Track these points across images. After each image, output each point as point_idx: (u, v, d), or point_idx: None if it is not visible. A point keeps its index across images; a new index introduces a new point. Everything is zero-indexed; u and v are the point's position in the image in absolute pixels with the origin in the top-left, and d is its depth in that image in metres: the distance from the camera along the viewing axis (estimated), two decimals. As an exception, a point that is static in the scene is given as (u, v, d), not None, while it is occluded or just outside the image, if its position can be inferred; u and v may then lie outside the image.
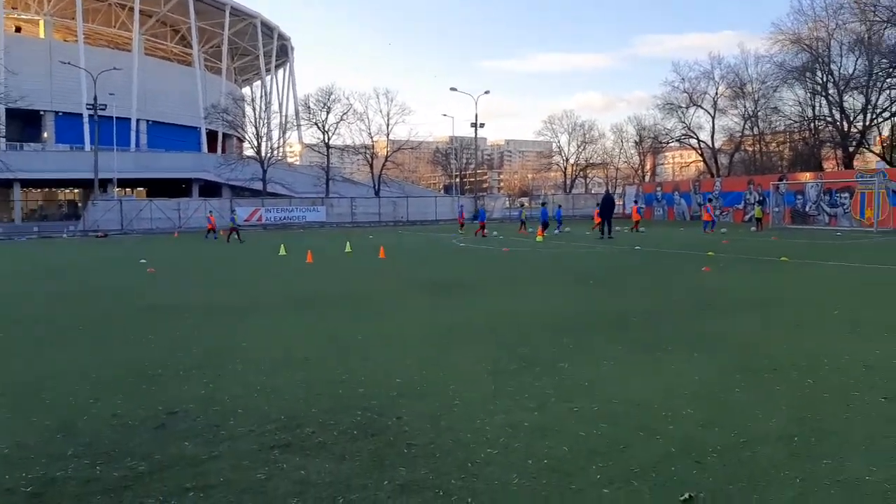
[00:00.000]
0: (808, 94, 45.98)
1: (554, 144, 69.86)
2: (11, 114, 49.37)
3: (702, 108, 54.48)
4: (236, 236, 30.60)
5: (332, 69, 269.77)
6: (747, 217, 39.59)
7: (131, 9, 66.44)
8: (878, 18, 41.06)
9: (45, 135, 62.86)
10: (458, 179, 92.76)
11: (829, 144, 46.79)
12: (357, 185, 66.66)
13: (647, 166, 68.14)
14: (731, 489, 3.50)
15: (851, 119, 43.40)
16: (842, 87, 42.91)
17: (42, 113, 61.08)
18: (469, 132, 62.21)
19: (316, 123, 57.48)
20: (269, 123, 59.94)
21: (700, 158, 58.64)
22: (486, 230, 31.77)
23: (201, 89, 70.02)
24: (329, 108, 56.79)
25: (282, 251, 21.70)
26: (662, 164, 79.30)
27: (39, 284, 14.43)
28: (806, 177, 39.21)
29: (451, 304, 10.18)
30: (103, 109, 46.64)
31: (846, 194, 35.27)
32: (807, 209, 37.40)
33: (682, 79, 54.04)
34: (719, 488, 3.51)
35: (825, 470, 3.72)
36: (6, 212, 56.77)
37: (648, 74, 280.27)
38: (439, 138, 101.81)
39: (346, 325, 8.53)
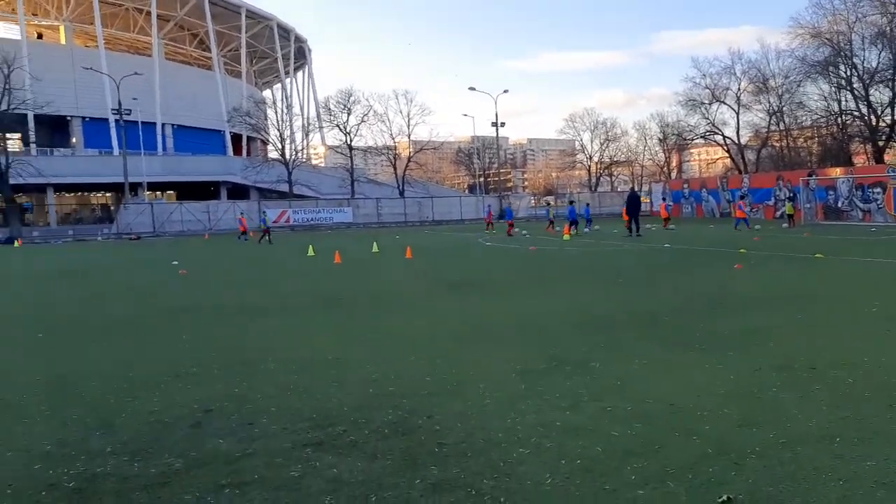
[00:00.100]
0: (833, 89, 45.07)
1: (577, 142, 69.50)
2: (39, 120, 50.43)
3: (725, 103, 53.72)
4: (267, 238, 30.98)
5: (350, 70, 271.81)
6: (778, 213, 38.90)
7: (148, 13, 67.36)
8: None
9: (74, 140, 64.14)
10: (482, 179, 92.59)
11: (857, 139, 45.82)
12: (381, 186, 66.99)
13: (673, 163, 67.39)
14: (772, 490, 3.42)
15: (879, 113, 42.44)
16: (867, 81, 41.98)
17: (69, 118, 62.31)
18: (490, 131, 62.16)
19: (337, 125, 57.90)
20: (291, 126, 60.50)
21: (726, 154, 57.81)
22: (514, 229, 31.75)
23: (222, 93, 70.87)
24: (349, 109, 57.15)
25: (310, 252, 21.87)
26: (688, 160, 78.37)
27: (76, 286, 14.72)
28: (836, 172, 38.40)
29: (480, 304, 10.15)
30: (128, 114, 47.46)
31: (878, 189, 34.48)
32: (839, 205, 36.66)
33: (703, 75, 53.35)
34: (759, 490, 3.43)
35: (869, 471, 3.62)
36: (42, 216, 58.06)
37: (667, 71, 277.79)
38: (461, 138, 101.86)
39: (375, 324, 8.57)
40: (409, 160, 61.38)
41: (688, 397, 5.01)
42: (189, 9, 70.57)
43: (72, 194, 62.71)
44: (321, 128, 64.81)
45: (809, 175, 38.67)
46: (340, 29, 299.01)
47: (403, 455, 4.06)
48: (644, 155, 68.23)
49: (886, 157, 43.26)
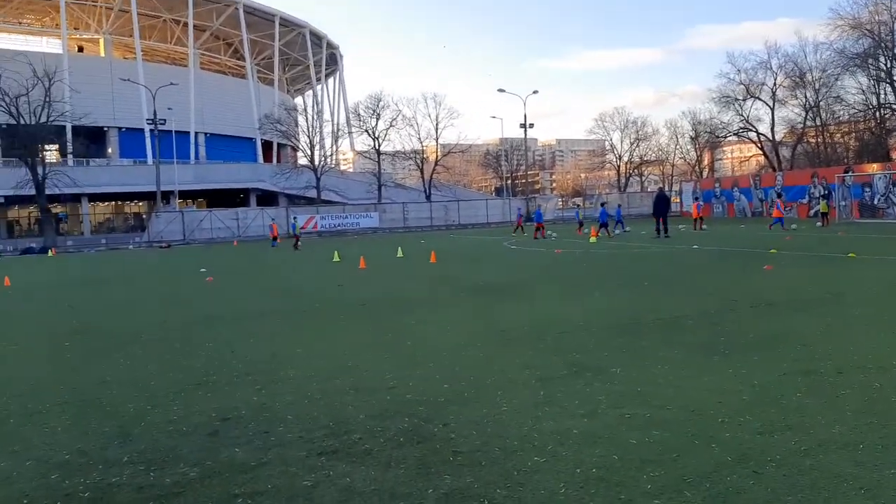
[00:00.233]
0: (872, 82, 43.99)
1: (606, 142, 68.92)
2: (77, 131, 51.69)
3: (760, 99, 52.75)
4: (294, 244, 31.34)
5: (380, 73, 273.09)
6: (812, 212, 38.05)
7: (185, 24, 68.78)
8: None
9: (110, 150, 65.65)
10: (509, 181, 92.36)
11: (896, 133, 44.67)
12: (408, 191, 67.22)
13: (705, 162, 66.41)
14: (791, 500, 3.32)
15: (920, 106, 41.35)
16: (908, 74, 40.92)
17: (106, 129, 63.81)
18: (519, 133, 61.94)
19: (366, 130, 58.27)
20: (321, 132, 61.09)
21: (760, 152, 56.76)
22: (544, 230, 31.60)
23: (255, 101, 71.91)
24: (378, 114, 57.50)
25: (336, 258, 22.02)
26: (721, 158, 77.21)
27: (104, 294, 15.03)
28: (873, 168, 37.42)
29: (502, 308, 10.10)
30: (163, 124, 48.38)
31: (917, 185, 33.53)
32: (875, 202, 35.71)
33: (738, 70, 52.45)
34: (778, 499, 3.34)
35: (892, 479, 3.50)
36: (76, 225, 59.45)
37: (701, 67, 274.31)
38: (489, 140, 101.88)
39: (396, 330, 8.57)
40: (436, 164, 61.51)
41: (709, 403, 4.91)
42: (225, 19, 71.85)
43: (106, 203, 64.13)
44: (350, 133, 65.37)
45: (845, 171, 37.75)
46: (371, 33, 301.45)
47: (417, 463, 4.04)
48: (675, 154, 67.44)
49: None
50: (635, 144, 65.46)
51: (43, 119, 42.70)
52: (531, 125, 58.60)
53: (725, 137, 59.30)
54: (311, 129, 58.75)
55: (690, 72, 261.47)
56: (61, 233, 53.02)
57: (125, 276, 20.04)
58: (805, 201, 40.28)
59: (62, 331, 9.78)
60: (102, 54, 70.44)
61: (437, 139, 61.21)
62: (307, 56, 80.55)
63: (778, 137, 53.81)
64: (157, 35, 73.64)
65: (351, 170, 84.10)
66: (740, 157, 71.28)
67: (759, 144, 55.30)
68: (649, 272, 14.42)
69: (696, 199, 37.68)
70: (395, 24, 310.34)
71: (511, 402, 5.20)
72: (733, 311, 8.88)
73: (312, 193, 54.71)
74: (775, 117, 52.54)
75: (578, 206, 63.49)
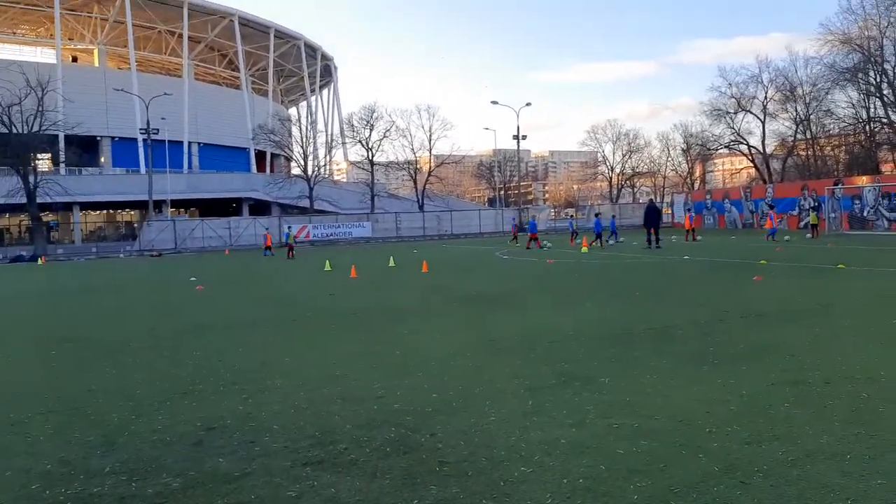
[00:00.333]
0: (862, 96, 44.46)
1: (598, 154, 69.25)
2: (70, 140, 51.55)
3: (751, 112, 53.21)
4: (287, 253, 31.33)
5: (374, 84, 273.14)
6: (802, 223, 38.29)
7: (180, 35, 68.87)
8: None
9: (103, 159, 65.46)
10: (502, 192, 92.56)
11: (886, 147, 45.05)
12: (401, 200, 67.27)
13: (696, 174, 66.80)
14: (778, 510, 3.31)
15: (908, 120, 41.75)
16: (897, 88, 41.34)
17: (99, 138, 63.66)
18: (512, 144, 62.18)
19: (360, 141, 58.33)
20: (314, 142, 61.14)
21: (751, 164, 57.16)
22: (539, 241, 31.68)
23: (249, 111, 71.99)
24: (372, 125, 57.59)
25: (327, 267, 21.95)
26: (712, 171, 77.64)
27: (92, 303, 14.91)
28: (863, 181, 37.73)
29: (492, 318, 10.08)
30: (156, 134, 48.31)
31: (906, 198, 33.80)
32: (865, 214, 35.97)
33: (730, 84, 53.00)
34: (765, 509, 3.33)
35: (878, 490, 3.49)
36: (67, 234, 59.15)
37: (694, 81, 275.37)
38: (483, 151, 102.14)
39: (385, 339, 8.53)
40: (429, 174, 61.60)
41: (697, 413, 4.90)
42: (220, 30, 71.97)
43: (98, 212, 63.87)
44: (344, 144, 65.41)
45: (835, 184, 38.03)
46: (366, 44, 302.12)
47: (403, 474, 4.00)
48: (667, 166, 67.80)
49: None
50: (627, 156, 65.83)
51: (35, 128, 42.57)
52: (524, 137, 58.95)
53: (717, 150, 59.74)
54: (304, 140, 58.80)
55: (684, 85, 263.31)
56: (52, 241, 52.73)
57: (115, 285, 19.91)
58: (795, 213, 40.54)
59: (50, 339, 9.69)
60: (97, 64, 70.41)
61: (430, 150, 61.37)
62: (302, 67, 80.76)
63: (769, 150, 54.26)
64: (152, 46, 73.72)
65: (344, 180, 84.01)
66: (731, 170, 71.80)
67: (750, 157, 55.70)
68: (640, 282, 14.44)
69: (689, 210, 37.87)
70: (390, 36, 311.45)
71: (499, 411, 5.17)
72: (723, 321, 8.90)
73: (305, 203, 54.65)
74: (766, 130, 53.07)
75: (572, 216, 63.68)
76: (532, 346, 7.72)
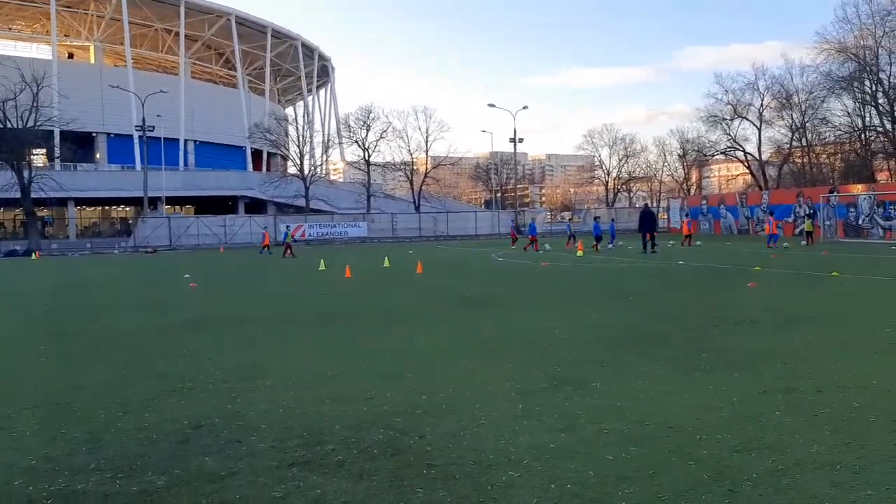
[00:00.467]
0: (857, 105, 44.64)
1: (595, 158, 69.36)
2: (65, 136, 51.37)
3: (747, 119, 53.40)
4: (284, 252, 31.26)
5: (371, 85, 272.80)
6: (797, 231, 38.39)
7: (177, 34, 68.73)
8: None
9: (98, 155, 65.26)
10: (498, 194, 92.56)
11: (881, 155, 45.23)
12: (397, 201, 67.20)
13: (692, 179, 66.97)
14: (766, 519, 3.29)
15: (903, 129, 41.95)
16: (892, 97, 41.49)
17: (94, 135, 63.51)
18: (509, 147, 62.18)
19: (356, 141, 58.27)
20: (311, 142, 61.06)
21: (747, 171, 57.33)
22: (537, 244, 31.70)
23: (246, 110, 71.89)
24: (369, 126, 57.54)
25: (322, 266, 21.90)
26: (708, 176, 77.88)
27: (84, 298, 14.82)
28: (858, 188, 37.86)
29: (485, 321, 10.05)
30: (151, 131, 48.15)
31: (901, 206, 33.90)
32: (860, 222, 36.08)
33: (726, 90, 53.17)
34: (753, 518, 3.30)
35: (868, 501, 3.47)
36: (62, 229, 58.94)
37: (690, 87, 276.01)
38: (480, 154, 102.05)
39: (377, 340, 8.49)
40: (425, 175, 61.56)
41: (688, 420, 4.88)
42: (217, 29, 71.84)
43: (93, 208, 63.65)
44: (341, 143, 65.37)
45: (831, 191, 38.14)
46: (364, 45, 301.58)
47: (390, 476, 3.97)
48: (663, 171, 67.96)
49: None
50: (624, 161, 65.96)
51: (30, 123, 42.39)
52: (521, 140, 58.99)
53: (713, 156, 59.93)
54: (301, 139, 58.73)
55: (680, 91, 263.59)
56: (46, 236, 52.48)
57: (108, 281, 19.81)
58: (790, 220, 40.63)
59: (39, 334, 9.62)
60: (93, 61, 70.18)
61: (426, 151, 61.34)
62: (298, 67, 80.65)
63: (764, 157, 54.43)
64: (149, 44, 73.55)
65: (341, 179, 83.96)
66: (727, 176, 71.94)
67: (745, 163, 55.87)
68: (635, 287, 14.43)
69: (687, 216, 37.92)
70: (388, 38, 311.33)
71: (489, 415, 5.14)
72: (717, 327, 8.89)
73: (301, 202, 54.57)
74: (762, 137, 53.22)
75: (570, 220, 63.76)
76: (525, 349, 7.69)
